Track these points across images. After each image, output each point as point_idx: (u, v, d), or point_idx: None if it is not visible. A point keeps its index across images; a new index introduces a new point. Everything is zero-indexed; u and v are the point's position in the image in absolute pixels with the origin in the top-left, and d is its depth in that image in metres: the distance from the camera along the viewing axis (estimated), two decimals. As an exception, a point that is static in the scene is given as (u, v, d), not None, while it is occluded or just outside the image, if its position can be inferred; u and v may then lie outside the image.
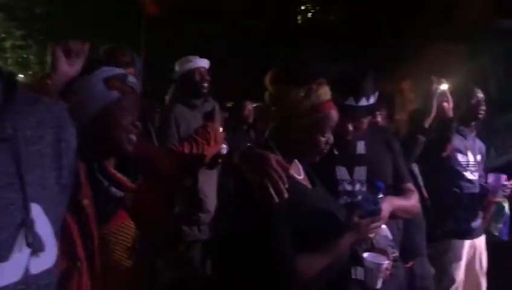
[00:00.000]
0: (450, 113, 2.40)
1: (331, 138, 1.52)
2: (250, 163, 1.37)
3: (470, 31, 6.13)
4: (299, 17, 11.03)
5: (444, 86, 2.34)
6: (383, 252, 1.59)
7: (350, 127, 1.77)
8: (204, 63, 3.15)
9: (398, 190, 1.85)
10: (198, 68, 3.09)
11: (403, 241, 2.12)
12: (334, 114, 1.52)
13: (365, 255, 1.54)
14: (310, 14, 10.59)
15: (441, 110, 2.34)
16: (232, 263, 1.47)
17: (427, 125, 2.24)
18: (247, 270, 1.39)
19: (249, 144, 1.59)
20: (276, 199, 1.31)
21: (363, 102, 1.76)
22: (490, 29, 5.92)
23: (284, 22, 10.37)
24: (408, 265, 2.37)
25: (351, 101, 1.75)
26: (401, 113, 4.96)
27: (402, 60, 6.99)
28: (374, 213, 1.51)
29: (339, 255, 1.43)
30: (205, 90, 3.09)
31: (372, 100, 1.78)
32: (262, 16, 10.39)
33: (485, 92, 3.06)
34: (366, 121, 1.82)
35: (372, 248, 1.56)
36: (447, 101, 2.37)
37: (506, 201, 2.90)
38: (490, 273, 2.97)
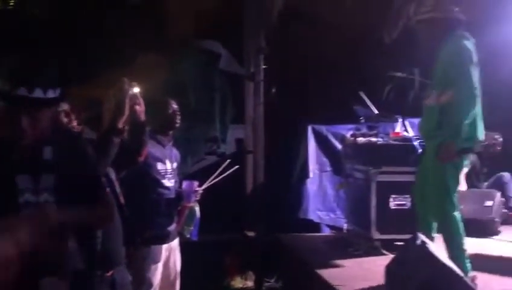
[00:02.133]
0: (142, 116, 2.45)
1: None
2: None
3: (176, 47, 6.61)
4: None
5: (136, 89, 2.38)
6: None
7: (25, 122, 1.59)
8: None
9: (90, 198, 1.77)
10: None
11: (101, 250, 2.08)
12: None
13: None
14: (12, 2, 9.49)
15: (133, 112, 2.37)
16: None
17: (120, 125, 2.23)
18: None
19: None
20: None
21: (38, 93, 1.61)
22: (192, 47, 6.52)
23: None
24: (108, 274, 2.33)
25: (23, 92, 1.59)
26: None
27: (113, 67, 7.00)
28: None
29: None
30: None
31: (51, 94, 1.63)
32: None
33: (186, 103, 3.32)
34: (44, 118, 1.66)
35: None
36: (139, 104, 2.41)
37: (198, 205, 3.20)
38: (182, 272, 3.22)
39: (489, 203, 5.01)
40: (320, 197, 5.32)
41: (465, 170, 5.54)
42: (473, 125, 3.15)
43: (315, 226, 5.30)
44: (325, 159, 5.44)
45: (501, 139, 5.88)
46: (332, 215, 5.28)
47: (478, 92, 3.11)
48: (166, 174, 3.04)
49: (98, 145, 2.05)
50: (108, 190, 2.04)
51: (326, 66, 6.13)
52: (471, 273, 3.07)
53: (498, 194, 5.15)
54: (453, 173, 3.16)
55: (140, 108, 2.39)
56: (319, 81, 6.17)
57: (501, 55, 5.53)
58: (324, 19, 5.76)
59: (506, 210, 5.45)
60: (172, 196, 3.06)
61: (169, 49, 6.56)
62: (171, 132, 3.12)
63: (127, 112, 2.26)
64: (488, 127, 6.12)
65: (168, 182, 3.04)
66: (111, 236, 2.26)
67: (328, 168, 5.41)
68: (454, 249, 3.16)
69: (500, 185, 5.53)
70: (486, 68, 3.28)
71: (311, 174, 5.30)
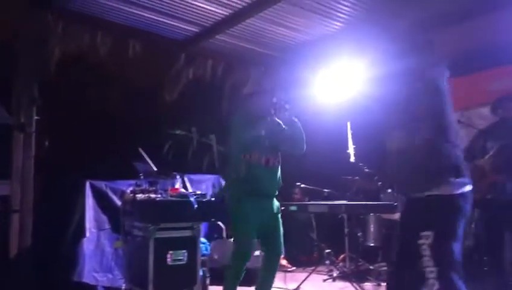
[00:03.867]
0: None
1: None
2: None
3: None
4: None
5: None
6: None
7: None
8: None
9: None
10: None
11: None
12: None
13: None
14: None
15: None
16: None
17: None
18: None
19: None
20: None
21: None
22: None
23: None
24: None
25: None
26: None
27: None
28: None
29: None
30: None
31: None
32: None
33: None
34: None
35: None
36: None
37: None
38: None
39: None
40: (98, 257, 5.02)
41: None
42: None
43: (91, 289, 4.96)
44: (103, 216, 5.20)
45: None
46: (110, 276, 5.02)
47: None
48: None
49: None
50: None
51: (106, 119, 6.01)
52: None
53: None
54: None
55: None
56: (99, 134, 5.99)
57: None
58: (105, 71, 5.67)
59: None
60: None
61: None
62: None
63: None
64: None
65: None
66: None
67: (107, 226, 5.18)
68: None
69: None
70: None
71: (87, 233, 4.99)
